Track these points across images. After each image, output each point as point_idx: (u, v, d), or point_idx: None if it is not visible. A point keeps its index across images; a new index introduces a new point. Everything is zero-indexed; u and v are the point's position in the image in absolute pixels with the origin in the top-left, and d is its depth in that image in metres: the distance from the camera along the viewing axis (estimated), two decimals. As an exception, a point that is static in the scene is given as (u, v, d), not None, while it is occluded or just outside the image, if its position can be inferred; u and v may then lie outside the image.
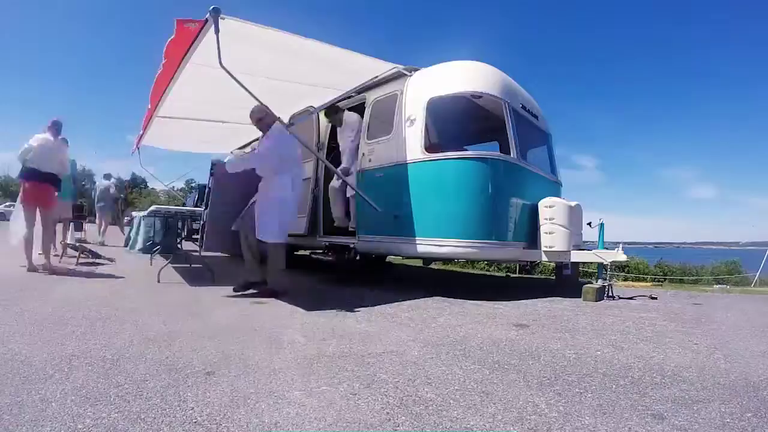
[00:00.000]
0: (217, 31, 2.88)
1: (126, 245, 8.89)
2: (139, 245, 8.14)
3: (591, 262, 4.71)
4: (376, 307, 3.39)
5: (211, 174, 3.85)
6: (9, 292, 3.44)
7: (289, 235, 5.68)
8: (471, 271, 9.25)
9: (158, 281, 4.29)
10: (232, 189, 3.88)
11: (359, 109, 4.92)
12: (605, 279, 4.60)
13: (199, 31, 2.95)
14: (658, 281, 9.93)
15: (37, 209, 4.74)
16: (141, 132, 5.46)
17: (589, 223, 4.74)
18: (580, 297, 4.14)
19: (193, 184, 23.68)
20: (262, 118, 3.73)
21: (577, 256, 4.41)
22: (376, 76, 4.52)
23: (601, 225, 7.79)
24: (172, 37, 3.22)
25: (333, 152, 5.54)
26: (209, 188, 3.92)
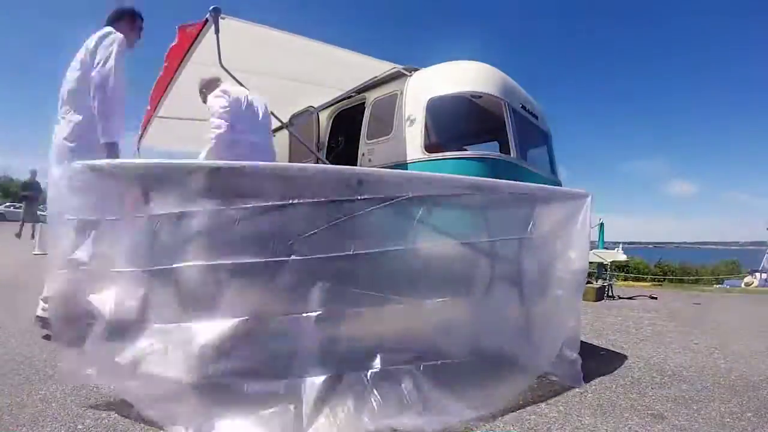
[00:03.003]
0: (217, 31, 2.88)
1: None
2: None
3: (591, 262, 4.72)
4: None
5: None
6: (9, 293, 3.44)
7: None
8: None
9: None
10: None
11: (359, 109, 4.92)
12: (605, 279, 4.60)
13: (199, 32, 2.96)
14: (658, 281, 9.93)
15: None
16: (141, 132, 5.45)
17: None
18: (580, 297, 4.15)
19: None
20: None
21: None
22: (376, 76, 4.52)
23: (601, 225, 7.77)
24: (174, 42, 3.23)
25: (333, 152, 5.54)
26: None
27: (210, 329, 1.41)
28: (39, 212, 9.42)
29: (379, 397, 1.37)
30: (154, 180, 1.49)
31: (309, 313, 1.41)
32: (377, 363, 1.42)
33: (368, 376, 1.40)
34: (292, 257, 1.42)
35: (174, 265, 1.43)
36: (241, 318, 1.40)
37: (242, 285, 1.45)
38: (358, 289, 1.50)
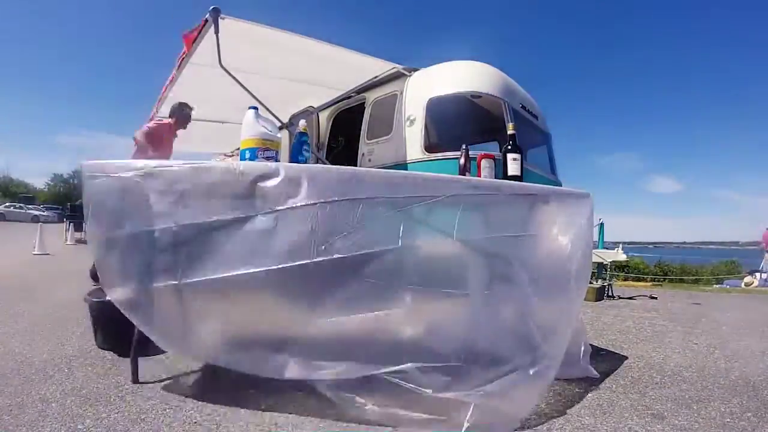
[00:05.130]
0: (216, 31, 2.89)
1: None
2: None
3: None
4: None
5: None
6: (10, 293, 3.44)
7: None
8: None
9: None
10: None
11: (359, 109, 4.92)
12: (605, 279, 4.60)
13: (199, 32, 2.96)
14: (658, 281, 9.93)
15: None
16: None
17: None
18: (580, 297, 4.15)
19: None
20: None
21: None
22: (376, 76, 4.52)
23: (601, 225, 7.77)
24: (182, 51, 3.24)
25: (333, 152, 5.54)
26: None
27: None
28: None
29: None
30: None
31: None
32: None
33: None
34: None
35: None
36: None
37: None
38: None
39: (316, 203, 1.55)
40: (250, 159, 1.58)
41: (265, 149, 1.60)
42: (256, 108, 1.69)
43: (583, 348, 1.78)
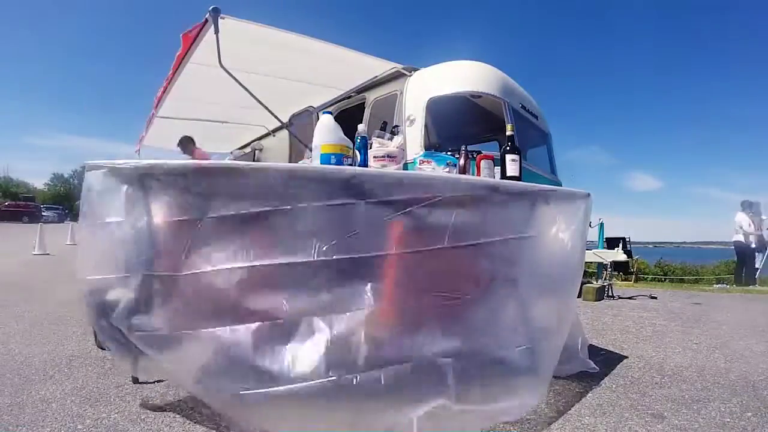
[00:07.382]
0: (216, 31, 2.88)
1: None
2: None
3: (591, 262, 4.72)
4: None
5: None
6: (10, 293, 3.44)
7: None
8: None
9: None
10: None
11: (359, 108, 4.92)
12: (605, 279, 4.60)
13: (199, 32, 2.96)
14: (659, 281, 9.93)
15: None
16: (144, 133, 5.47)
17: (589, 223, 4.75)
18: (579, 297, 4.15)
19: None
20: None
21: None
22: (376, 76, 4.52)
23: (601, 225, 7.76)
24: (179, 50, 3.25)
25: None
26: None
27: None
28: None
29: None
30: None
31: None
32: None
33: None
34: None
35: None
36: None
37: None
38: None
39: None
40: (336, 164, 1.59)
41: (346, 156, 1.62)
42: (330, 112, 1.76)
43: (580, 341, 1.78)
